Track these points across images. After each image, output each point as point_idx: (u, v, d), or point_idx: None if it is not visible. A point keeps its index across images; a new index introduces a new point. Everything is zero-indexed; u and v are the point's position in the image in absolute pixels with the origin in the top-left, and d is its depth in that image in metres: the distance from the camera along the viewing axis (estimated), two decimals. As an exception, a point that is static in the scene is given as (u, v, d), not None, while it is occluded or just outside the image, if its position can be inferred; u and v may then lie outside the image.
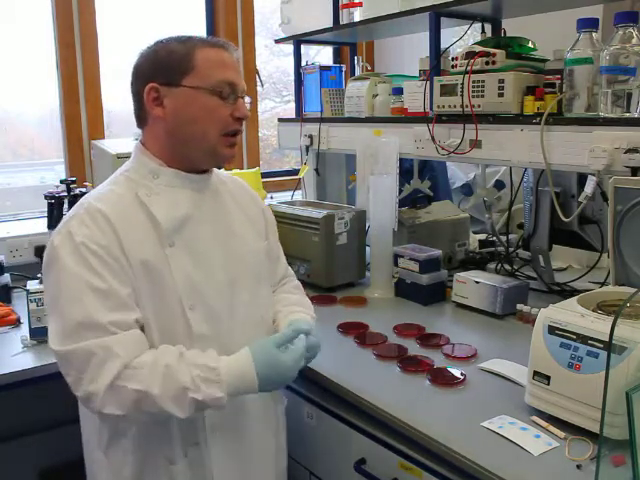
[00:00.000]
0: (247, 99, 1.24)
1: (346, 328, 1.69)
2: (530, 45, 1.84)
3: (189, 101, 1.17)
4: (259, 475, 1.31)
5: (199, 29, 2.91)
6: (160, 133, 1.21)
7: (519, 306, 1.74)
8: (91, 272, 1.09)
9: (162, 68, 1.18)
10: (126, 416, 1.07)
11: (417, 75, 2.02)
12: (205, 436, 1.20)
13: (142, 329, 1.13)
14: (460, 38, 1.94)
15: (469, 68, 1.70)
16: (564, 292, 1.91)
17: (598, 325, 1.11)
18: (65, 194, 2.10)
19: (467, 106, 1.72)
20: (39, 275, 1.64)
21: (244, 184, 1.43)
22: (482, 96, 1.69)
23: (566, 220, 1.66)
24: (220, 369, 1.09)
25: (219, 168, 1.37)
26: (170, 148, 1.21)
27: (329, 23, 2.26)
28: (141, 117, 1.24)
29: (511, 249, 2.19)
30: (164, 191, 1.20)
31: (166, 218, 1.17)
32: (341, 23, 2.24)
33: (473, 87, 1.70)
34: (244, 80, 1.24)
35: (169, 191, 1.20)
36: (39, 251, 2.20)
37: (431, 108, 1.87)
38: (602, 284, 1.76)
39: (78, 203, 1.19)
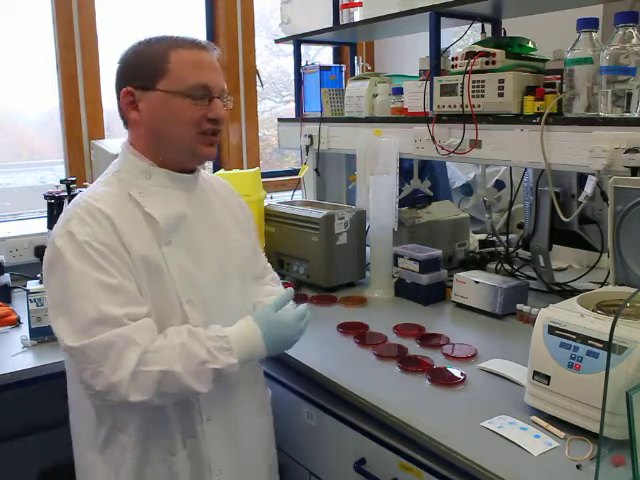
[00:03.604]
0: (227, 98, 1.24)
1: (346, 328, 1.69)
2: (530, 45, 1.84)
3: (162, 104, 1.18)
4: (252, 455, 1.34)
5: (199, 29, 2.91)
6: (141, 135, 1.23)
7: (519, 306, 1.73)
8: (98, 269, 1.10)
9: (138, 71, 1.19)
10: (147, 402, 1.09)
11: (417, 75, 2.02)
12: (202, 427, 1.23)
13: None
14: (460, 38, 1.94)
15: (469, 68, 1.70)
16: (564, 292, 1.91)
17: (598, 325, 1.11)
18: (65, 194, 2.10)
19: (467, 106, 1.72)
20: (39, 275, 1.64)
21: (227, 183, 1.46)
22: (482, 96, 1.69)
23: (566, 220, 1.66)
24: (229, 337, 1.15)
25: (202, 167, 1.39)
26: (154, 149, 1.23)
27: (329, 23, 2.26)
28: (124, 119, 1.25)
29: (511, 249, 2.19)
30: (158, 191, 1.21)
31: (163, 217, 1.19)
32: (341, 23, 2.24)
33: (473, 87, 1.70)
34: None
35: (162, 191, 1.22)
36: (39, 251, 2.20)
37: (431, 108, 1.87)
38: (602, 284, 1.76)
39: (72, 203, 1.19)
